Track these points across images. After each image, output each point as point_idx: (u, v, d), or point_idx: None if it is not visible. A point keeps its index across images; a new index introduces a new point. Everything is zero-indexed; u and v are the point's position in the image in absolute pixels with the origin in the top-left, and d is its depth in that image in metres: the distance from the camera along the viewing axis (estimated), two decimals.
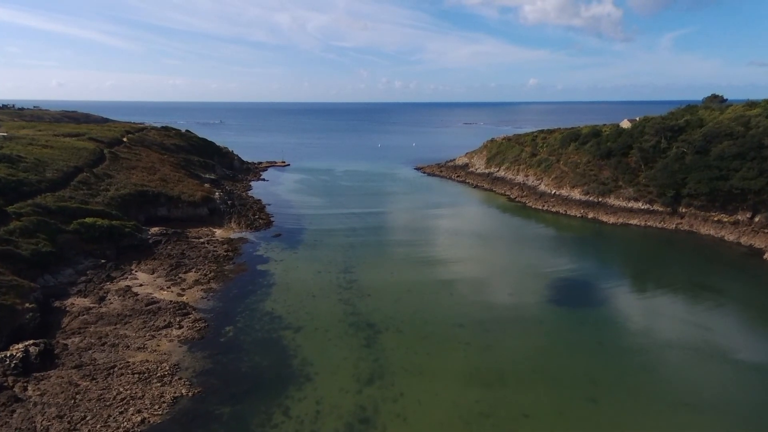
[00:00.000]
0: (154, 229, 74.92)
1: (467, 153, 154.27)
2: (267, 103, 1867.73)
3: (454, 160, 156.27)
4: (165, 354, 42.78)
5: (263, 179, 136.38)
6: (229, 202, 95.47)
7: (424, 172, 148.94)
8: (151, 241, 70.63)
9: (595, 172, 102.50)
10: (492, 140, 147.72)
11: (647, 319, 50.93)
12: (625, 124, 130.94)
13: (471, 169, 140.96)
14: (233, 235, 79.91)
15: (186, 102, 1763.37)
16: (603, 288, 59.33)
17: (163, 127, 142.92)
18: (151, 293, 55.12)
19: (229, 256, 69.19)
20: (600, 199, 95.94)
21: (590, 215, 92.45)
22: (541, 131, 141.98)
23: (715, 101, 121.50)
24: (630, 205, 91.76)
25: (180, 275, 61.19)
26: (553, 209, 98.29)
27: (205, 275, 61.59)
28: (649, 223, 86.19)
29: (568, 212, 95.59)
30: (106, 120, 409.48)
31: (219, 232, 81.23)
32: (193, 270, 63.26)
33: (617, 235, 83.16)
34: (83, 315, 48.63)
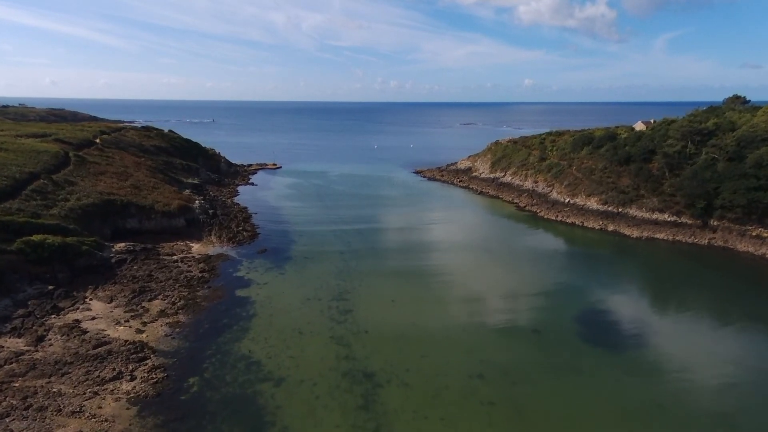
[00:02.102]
0: (120, 246, 65.35)
1: (470, 156, 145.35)
2: (262, 102, 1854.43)
3: (456, 163, 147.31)
4: (106, 421, 33.36)
5: (252, 183, 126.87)
6: (210, 211, 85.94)
7: (423, 176, 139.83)
8: (114, 261, 61.04)
9: (613, 179, 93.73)
10: (496, 143, 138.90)
11: (710, 368, 41.77)
12: (640, 126, 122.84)
13: (474, 174, 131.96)
14: (212, 251, 70.44)
15: (180, 101, 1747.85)
16: (642, 321, 50.40)
17: (143, 126, 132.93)
18: (103, 330, 45.62)
19: (205, 278, 59.74)
20: (620, 210, 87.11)
21: (610, 227, 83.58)
22: (549, 133, 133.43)
23: (738, 102, 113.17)
24: (655, 216, 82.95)
25: (143, 304, 51.71)
26: (568, 220, 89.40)
27: (173, 304, 52.16)
28: (677, 238, 77.44)
29: (585, 224, 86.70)
30: (95, 118, 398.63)
31: (196, 247, 71.73)
32: (160, 297, 53.78)
33: (644, 252, 74.32)
34: (11, 363, 39.10)
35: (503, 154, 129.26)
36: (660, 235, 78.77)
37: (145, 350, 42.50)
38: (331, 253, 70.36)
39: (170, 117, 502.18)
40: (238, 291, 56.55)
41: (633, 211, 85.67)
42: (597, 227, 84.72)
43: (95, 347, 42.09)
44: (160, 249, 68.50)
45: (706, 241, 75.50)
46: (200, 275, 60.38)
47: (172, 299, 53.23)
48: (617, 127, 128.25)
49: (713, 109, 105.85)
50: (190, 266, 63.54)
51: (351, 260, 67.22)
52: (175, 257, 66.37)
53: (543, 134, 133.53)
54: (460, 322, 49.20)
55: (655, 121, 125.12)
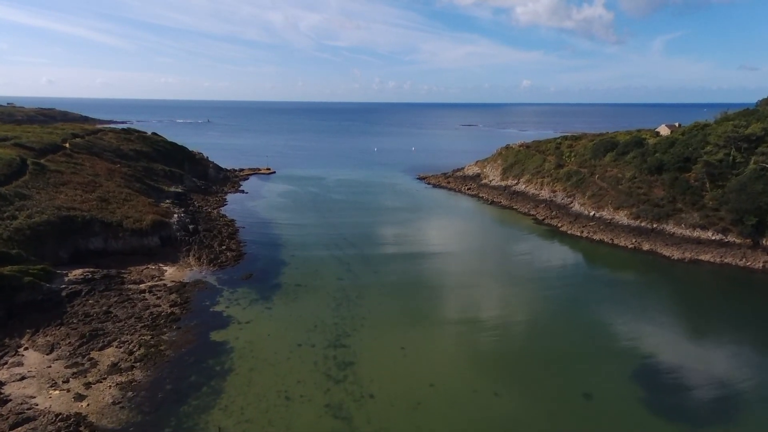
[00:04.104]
0: (75, 273, 54.95)
1: (477, 161, 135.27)
2: (260, 102, 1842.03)
3: (463, 168, 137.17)
4: None
5: (242, 191, 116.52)
6: (191, 226, 75.56)
7: (428, 183, 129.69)
8: (65, 294, 50.68)
9: (645, 190, 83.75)
10: (507, 147, 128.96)
11: None
12: (664, 130, 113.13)
13: (484, 181, 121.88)
14: (188, 277, 60.21)
15: (177, 100, 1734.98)
16: (718, 378, 40.28)
17: (123, 129, 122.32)
18: (31, 397, 35.32)
19: (175, 314, 49.46)
20: (655, 226, 77.10)
21: (645, 246, 73.49)
22: (565, 138, 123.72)
23: None
24: (696, 234, 72.98)
25: (92, 354, 41.52)
26: (595, 236, 79.28)
27: (130, 353, 41.92)
28: (725, 260, 67.41)
29: (616, 241, 76.61)
30: (86, 118, 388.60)
31: (170, 272, 61.48)
32: (115, 343, 43.52)
33: (689, 277, 64.41)
34: None
35: (515, 159, 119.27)
36: (704, 257, 68.69)
37: (81, 429, 32.24)
38: (328, 279, 60.13)
39: (166, 117, 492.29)
40: (214, 333, 46.32)
41: (670, 228, 75.67)
42: (629, 246, 74.63)
43: (12, 427, 31.78)
44: (125, 275, 58.19)
45: (761, 264, 65.48)
46: (169, 311, 50.14)
47: (130, 346, 42.97)
48: (638, 130, 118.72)
49: (750, 111, 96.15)
50: (159, 298, 53.28)
51: (351, 290, 56.96)
52: (142, 286, 56.07)
53: (558, 138, 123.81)
54: (490, 383, 39.00)
55: (680, 125, 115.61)
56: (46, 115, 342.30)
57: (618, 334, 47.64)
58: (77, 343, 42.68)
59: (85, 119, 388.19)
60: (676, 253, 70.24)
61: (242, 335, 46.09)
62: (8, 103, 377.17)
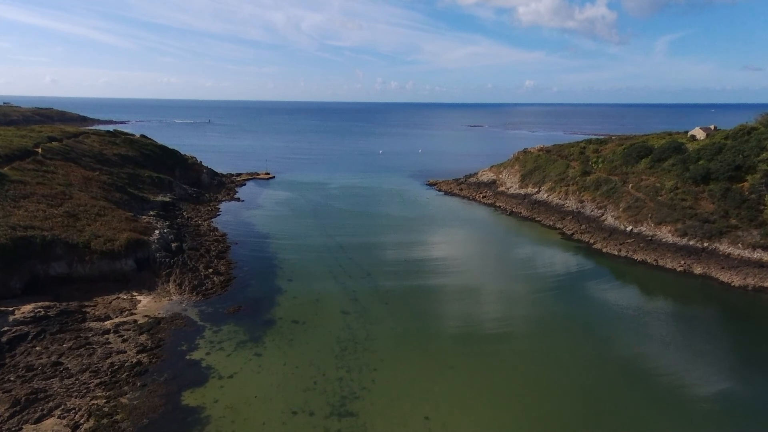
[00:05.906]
0: (25, 309, 45.42)
1: (492, 166, 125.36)
2: (262, 102, 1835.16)
3: (476, 174, 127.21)
4: None
5: (238, 198, 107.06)
6: (174, 245, 65.98)
7: (439, 190, 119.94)
8: (6, 338, 41.19)
9: (690, 202, 73.87)
10: (525, 151, 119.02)
11: None
12: (699, 133, 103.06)
13: (500, 188, 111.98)
14: (165, 310, 50.64)
15: (179, 100, 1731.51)
16: None
17: (108, 131, 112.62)
18: None
19: (141, 364, 39.96)
20: (706, 245, 67.19)
21: (697, 270, 63.57)
22: (589, 141, 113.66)
23: None
24: (757, 255, 63.03)
25: (25, 429, 31.93)
26: (636, 256, 69.36)
27: (75, 428, 32.35)
28: None
29: (661, 262, 66.70)
30: (84, 119, 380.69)
31: (144, 303, 51.95)
32: (58, 411, 33.96)
33: (761, 310, 54.35)
34: None
35: (535, 165, 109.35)
36: None
37: None
38: (330, 314, 50.46)
39: (168, 117, 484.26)
40: (187, 394, 36.69)
41: (724, 248, 65.74)
42: (678, 268, 64.66)
43: None
44: (89, 309, 48.71)
45: None
46: (135, 360, 40.65)
47: (76, 416, 33.42)
48: (670, 133, 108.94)
49: None
50: (125, 341, 43.77)
51: (358, 328, 47.28)
52: (107, 323, 46.57)
53: (582, 142, 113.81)
54: None
55: (715, 128, 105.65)
56: (42, 115, 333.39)
57: (703, 398, 37.67)
58: (7, 414, 33.12)
59: (84, 119, 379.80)
60: (736, 279, 60.24)
61: (223, 396, 36.46)
62: (4, 103, 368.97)
